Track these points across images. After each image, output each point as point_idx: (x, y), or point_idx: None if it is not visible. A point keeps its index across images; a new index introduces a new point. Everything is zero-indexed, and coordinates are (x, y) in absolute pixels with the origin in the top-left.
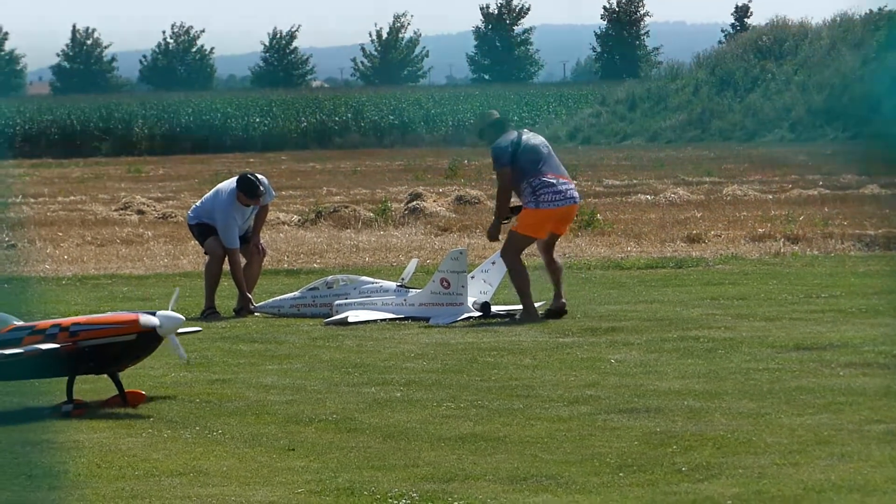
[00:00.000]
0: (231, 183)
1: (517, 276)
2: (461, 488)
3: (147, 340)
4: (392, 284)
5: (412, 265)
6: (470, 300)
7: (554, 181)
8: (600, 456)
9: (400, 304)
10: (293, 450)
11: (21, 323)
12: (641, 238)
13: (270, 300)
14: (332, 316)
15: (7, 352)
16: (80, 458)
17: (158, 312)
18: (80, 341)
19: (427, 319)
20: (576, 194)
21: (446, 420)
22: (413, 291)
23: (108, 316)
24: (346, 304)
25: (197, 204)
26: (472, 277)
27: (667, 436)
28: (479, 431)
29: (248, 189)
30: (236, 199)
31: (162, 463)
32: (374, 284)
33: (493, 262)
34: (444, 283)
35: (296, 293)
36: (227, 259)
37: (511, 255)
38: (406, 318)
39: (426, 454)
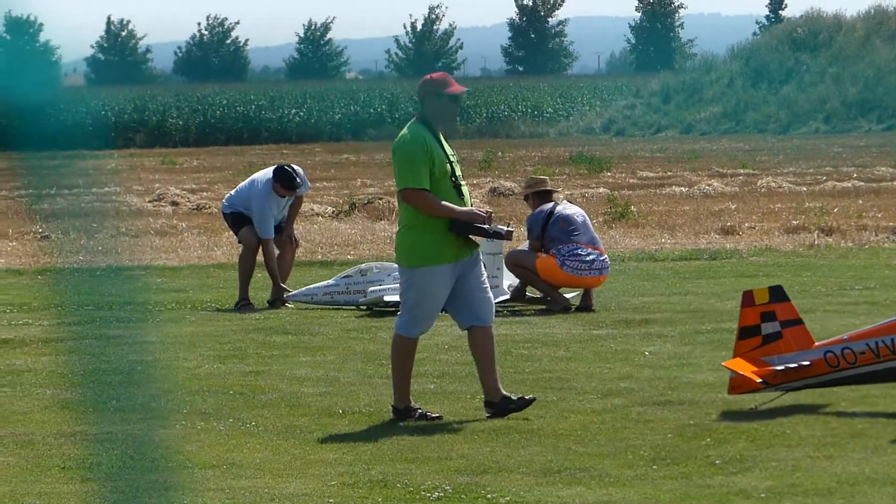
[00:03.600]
0: (267, 173)
1: (524, 277)
2: (494, 481)
3: None
4: None
5: None
6: (505, 283)
7: (583, 252)
8: (634, 448)
9: None
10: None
11: None
12: (675, 230)
13: (303, 288)
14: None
15: None
16: (114, 450)
17: None
18: None
19: None
20: (604, 266)
21: (480, 412)
22: None
23: None
24: (380, 290)
25: (231, 193)
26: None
27: (700, 428)
28: (512, 424)
29: (285, 180)
30: (272, 189)
31: (195, 455)
32: None
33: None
34: None
35: (329, 281)
36: (261, 249)
37: (511, 266)
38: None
39: (459, 446)
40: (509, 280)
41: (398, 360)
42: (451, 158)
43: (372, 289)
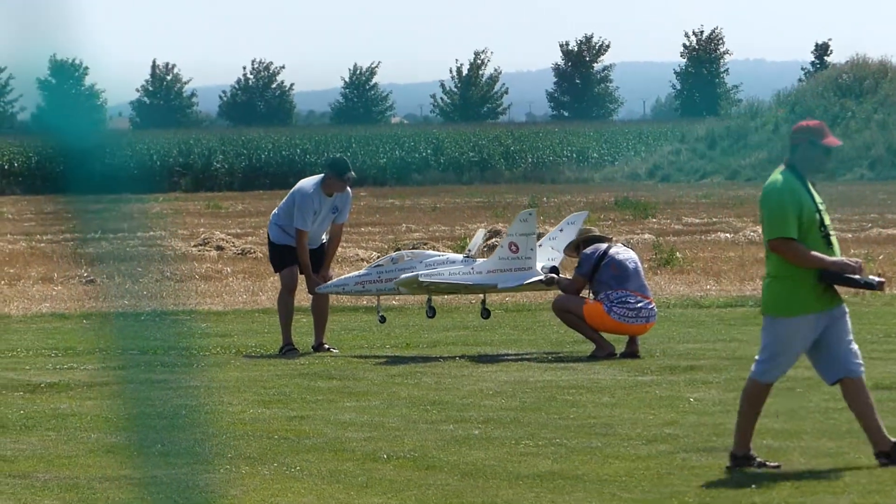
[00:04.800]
0: (314, 178)
1: (570, 322)
2: None
3: None
4: (459, 256)
5: (479, 236)
6: (539, 265)
7: (632, 299)
8: (679, 495)
9: (468, 272)
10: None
11: None
12: (721, 276)
13: (335, 279)
14: (398, 289)
15: None
16: (159, 494)
17: None
18: None
19: (495, 286)
20: (651, 314)
21: (524, 458)
22: (480, 260)
23: None
24: (412, 274)
25: (277, 211)
26: (540, 246)
27: (745, 475)
28: (557, 469)
29: (338, 167)
30: (321, 186)
31: (240, 499)
32: (441, 257)
33: (561, 230)
34: (513, 248)
35: (361, 271)
36: (294, 284)
37: (558, 311)
38: (475, 286)
39: (504, 492)
40: (542, 262)
41: (747, 404)
42: (820, 207)
43: (404, 276)
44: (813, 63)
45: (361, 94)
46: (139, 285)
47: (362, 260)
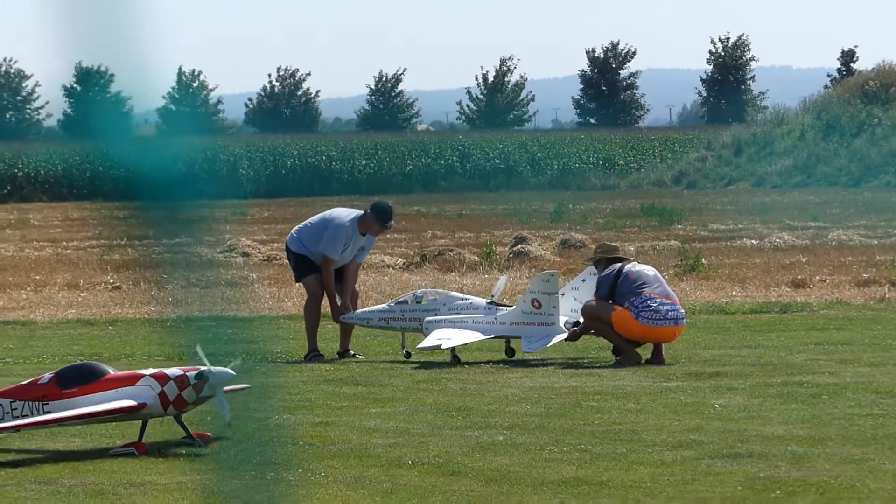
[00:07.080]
0: (351, 212)
1: (599, 330)
2: None
3: None
4: (482, 301)
5: (502, 282)
6: (561, 319)
7: (657, 301)
8: (703, 500)
9: (491, 322)
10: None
11: None
12: (746, 283)
13: (360, 311)
14: (421, 330)
15: None
16: (184, 500)
17: None
18: None
19: (518, 338)
20: (679, 316)
21: (549, 464)
22: (504, 309)
23: None
24: (435, 321)
25: (302, 226)
26: (563, 295)
27: (770, 481)
28: (582, 475)
29: (384, 214)
30: (357, 223)
31: None
32: (464, 301)
33: (584, 280)
34: (536, 304)
35: (384, 306)
36: (324, 298)
37: (588, 319)
38: (496, 337)
39: (529, 498)
40: (566, 316)
41: None
42: None
43: (428, 319)
44: (839, 70)
45: (387, 101)
46: (164, 292)
47: (388, 266)
